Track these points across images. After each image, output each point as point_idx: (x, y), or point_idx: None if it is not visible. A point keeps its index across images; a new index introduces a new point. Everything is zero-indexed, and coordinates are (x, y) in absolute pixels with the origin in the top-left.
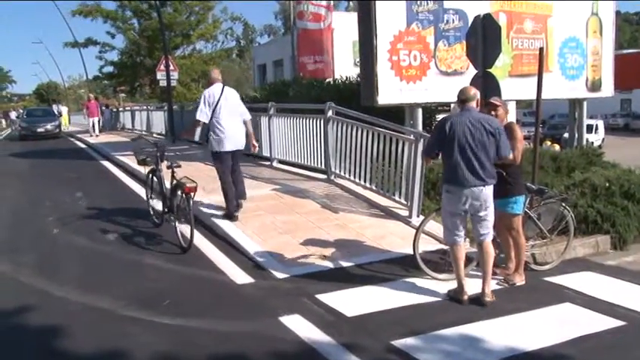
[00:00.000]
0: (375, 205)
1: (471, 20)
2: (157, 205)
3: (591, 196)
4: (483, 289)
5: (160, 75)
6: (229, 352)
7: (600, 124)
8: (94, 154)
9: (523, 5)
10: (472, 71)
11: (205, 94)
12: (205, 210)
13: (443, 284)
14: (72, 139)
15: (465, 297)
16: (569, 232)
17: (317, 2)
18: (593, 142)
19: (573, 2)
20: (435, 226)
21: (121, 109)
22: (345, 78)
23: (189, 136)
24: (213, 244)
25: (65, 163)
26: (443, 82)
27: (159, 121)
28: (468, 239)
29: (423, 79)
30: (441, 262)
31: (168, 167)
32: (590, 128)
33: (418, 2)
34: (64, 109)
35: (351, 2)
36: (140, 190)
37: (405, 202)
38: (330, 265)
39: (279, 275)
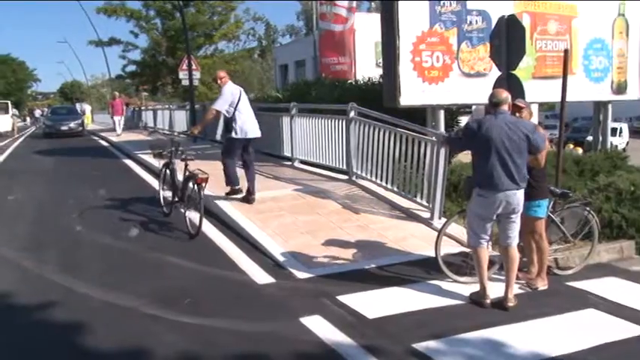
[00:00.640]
0: (397, 206)
1: (494, 21)
2: (168, 195)
3: (616, 200)
4: (506, 293)
5: (182, 74)
6: (250, 352)
7: (625, 127)
8: (117, 152)
9: (547, 6)
10: (495, 73)
11: (226, 91)
12: (226, 209)
13: (465, 287)
14: (95, 138)
15: (488, 301)
16: (593, 237)
17: (340, 3)
18: (617, 146)
19: (599, 3)
20: (458, 229)
21: (142, 107)
22: (367, 79)
23: (199, 130)
24: (234, 243)
25: (88, 161)
26: (465, 84)
27: (181, 120)
28: (490, 243)
29: (446, 81)
30: (463, 265)
31: (182, 160)
32: (614, 131)
33: (441, 3)
34: (88, 108)
35: (373, 3)
36: (155, 183)
37: (427, 204)
38: (351, 266)
39: (301, 275)
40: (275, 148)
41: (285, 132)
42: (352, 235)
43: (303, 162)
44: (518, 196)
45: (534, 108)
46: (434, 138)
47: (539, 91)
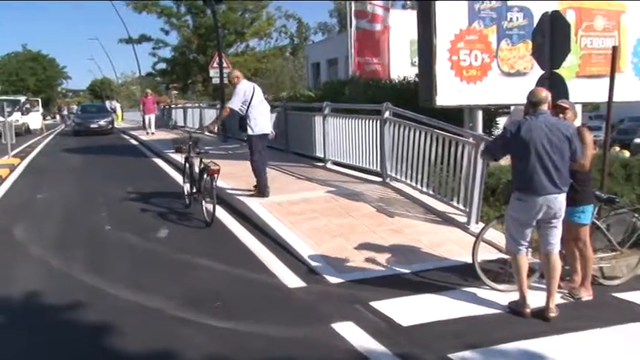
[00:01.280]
0: (432, 210)
1: (536, 18)
2: (188, 187)
3: None
4: (548, 303)
5: (213, 72)
6: (280, 357)
7: None
8: (146, 150)
9: (593, 1)
10: (536, 72)
11: (240, 89)
12: (257, 210)
13: (503, 296)
14: (124, 136)
15: (528, 310)
16: None
17: (375, 2)
18: None
19: None
20: (496, 234)
21: (172, 106)
22: (401, 78)
23: (214, 126)
24: (265, 245)
25: (117, 160)
26: (505, 83)
27: (211, 119)
28: (530, 249)
29: (484, 80)
30: (501, 272)
31: (197, 153)
32: None
33: (480, 0)
34: (118, 106)
35: (409, 2)
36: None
37: (464, 208)
38: (384, 271)
39: (333, 280)
40: (307, 149)
41: (318, 132)
42: (386, 239)
43: (335, 163)
44: (560, 200)
45: (578, 109)
46: (471, 139)
47: (583, 91)
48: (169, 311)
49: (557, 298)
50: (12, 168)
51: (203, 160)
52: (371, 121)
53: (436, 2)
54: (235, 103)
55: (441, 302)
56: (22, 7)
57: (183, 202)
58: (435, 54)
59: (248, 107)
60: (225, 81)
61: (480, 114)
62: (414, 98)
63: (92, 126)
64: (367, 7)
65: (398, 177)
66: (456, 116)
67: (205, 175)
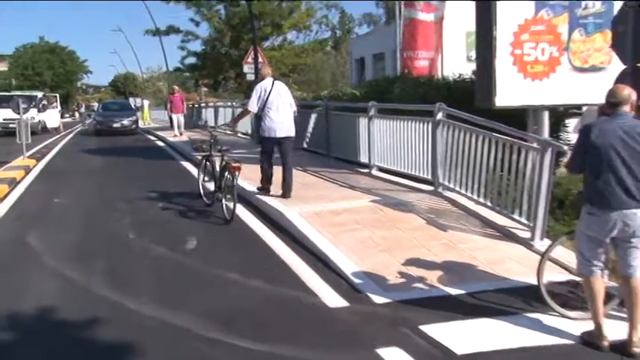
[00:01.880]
0: (490, 223)
1: (617, 4)
2: (209, 186)
3: None
4: (630, 335)
5: (247, 68)
6: None
7: None
8: (173, 153)
9: None
10: (616, 67)
11: (257, 88)
12: (295, 220)
13: (574, 324)
14: (149, 137)
15: (605, 343)
16: None
17: None
18: None
19: None
20: (564, 253)
21: (202, 104)
22: (456, 75)
23: (234, 125)
24: (302, 259)
25: (142, 163)
26: (576, 80)
27: (244, 119)
28: (607, 271)
29: (552, 77)
30: (571, 296)
31: (219, 151)
32: None
33: None
34: (146, 103)
35: None
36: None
37: (527, 222)
38: (436, 291)
39: (378, 300)
40: (350, 153)
41: (362, 135)
42: (438, 254)
43: (381, 169)
44: None
45: None
46: (536, 144)
47: None
48: (198, 331)
49: None
50: (27, 170)
51: (224, 157)
52: (422, 124)
53: None
54: (251, 104)
55: (500, 329)
56: None
57: (204, 202)
58: (494, 47)
59: (263, 107)
60: None
61: (546, 115)
62: (471, 98)
63: (114, 125)
64: None
65: (451, 186)
66: (518, 118)
67: (226, 173)
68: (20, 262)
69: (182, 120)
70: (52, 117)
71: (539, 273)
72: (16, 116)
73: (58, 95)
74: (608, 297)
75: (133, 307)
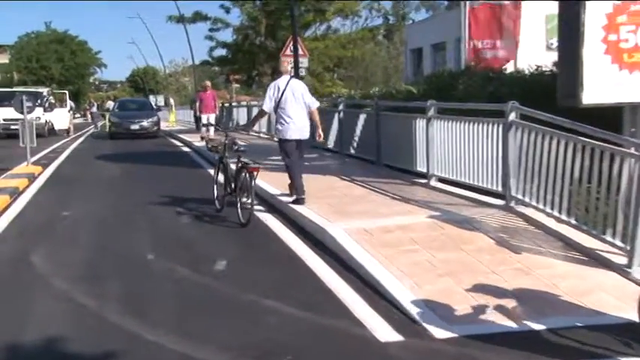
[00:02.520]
0: (575, 245)
1: None
2: (222, 190)
3: None
4: None
5: (286, 62)
6: None
7: None
8: (201, 160)
9: None
10: None
11: (271, 86)
12: (340, 238)
13: None
14: (173, 141)
15: None
16: None
17: None
18: None
19: None
20: None
21: (234, 103)
22: (533, 67)
23: (250, 128)
24: (348, 283)
25: (164, 171)
26: None
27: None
28: None
29: None
30: None
31: (235, 151)
32: None
33: None
34: (172, 101)
35: None
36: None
37: (622, 245)
38: (509, 325)
39: (438, 334)
40: (404, 161)
41: (419, 140)
42: (510, 281)
43: (442, 180)
44: None
45: None
46: (633, 150)
47: None
48: None
49: None
50: (32, 178)
51: (241, 159)
52: (491, 126)
53: None
54: (266, 104)
55: None
56: None
57: (215, 206)
58: (582, 34)
59: (277, 107)
60: (303, 72)
61: None
62: (551, 95)
63: (132, 127)
64: None
65: (526, 200)
66: (610, 119)
67: (244, 174)
68: (23, 285)
69: (213, 121)
70: (60, 117)
71: None
72: (19, 116)
73: (67, 92)
74: None
75: (152, 339)
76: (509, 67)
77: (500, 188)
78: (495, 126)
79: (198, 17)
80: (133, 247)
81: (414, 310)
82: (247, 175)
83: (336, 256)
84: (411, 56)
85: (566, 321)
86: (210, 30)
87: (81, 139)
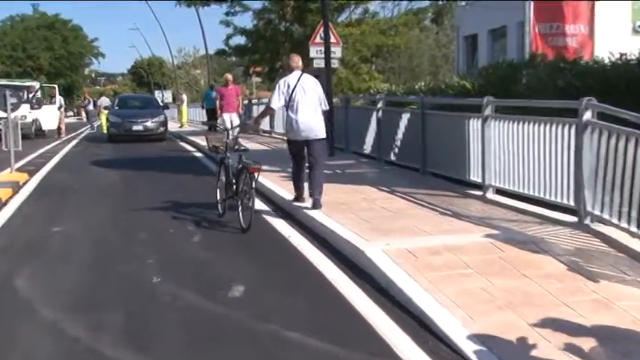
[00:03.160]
0: None
1: None
2: (223, 194)
3: None
4: None
5: (316, 51)
6: None
7: None
8: (214, 166)
9: None
10: None
11: (280, 82)
12: (379, 261)
13: None
14: (182, 144)
15: None
16: None
17: None
18: None
19: None
20: None
21: (254, 100)
22: (615, 56)
23: (256, 127)
24: (389, 315)
25: (172, 180)
26: None
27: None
28: None
29: None
30: None
31: (235, 150)
32: None
33: None
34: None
35: None
36: (277, 223)
37: None
38: None
39: None
40: (455, 169)
41: (473, 144)
42: (586, 316)
43: (500, 191)
44: None
45: None
46: None
47: None
48: None
49: None
50: (16, 188)
51: (242, 159)
52: (561, 127)
53: None
54: (274, 100)
55: None
56: None
57: (217, 213)
58: None
59: (287, 105)
60: (335, 64)
61: None
62: (637, 88)
63: (135, 128)
64: None
65: (605, 216)
66: None
67: (244, 176)
68: (4, 314)
69: (236, 121)
70: (49, 115)
71: None
72: (2, 114)
73: (57, 86)
74: None
75: None
76: (584, 56)
77: (572, 202)
78: (567, 127)
79: None
80: (134, 268)
81: (467, 348)
82: (248, 176)
83: (373, 281)
84: (463, 44)
85: None
86: (227, 14)
87: (74, 142)
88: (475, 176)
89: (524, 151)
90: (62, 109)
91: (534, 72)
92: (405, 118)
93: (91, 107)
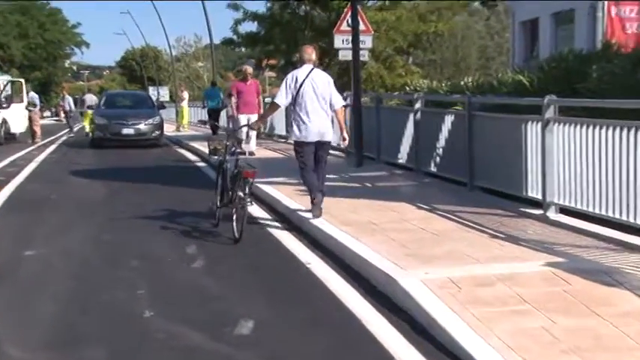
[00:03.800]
0: None
1: None
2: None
3: None
4: None
5: (342, 40)
6: None
7: None
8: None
9: None
10: None
11: (288, 76)
12: (416, 293)
13: None
14: (181, 150)
15: None
16: None
17: None
18: None
19: None
20: None
21: (267, 99)
22: None
23: (260, 124)
24: (426, 356)
25: (169, 194)
26: None
27: (336, 125)
28: None
29: None
30: None
31: (231, 154)
32: None
33: None
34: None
35: None
36: (293, 246)
37: None
38: None
39: None
40: (509, 183)
41: (531, 152)
42: None
43: (565, 210)
44: None
45: None
46: None
47: None
48: None
49: None
50: None
51: (238, 162)
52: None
53: None
54: (280, 96)
55: None
56: None
57: (213, 222)
58: None
59: (294, 102)
60: (365, 56)
61: None
62: None
63: (125, 132)
64: None
65: None
66: None
67: (239, 181)
68: None
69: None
70: (19, 116)
71: None
72: None
73: (23, 80)
74: None
75: None
76: None
77: None
78: None
79: None
80: (123, 300)
81: None
82: (242, 180)
83: (409, 317)
84: (521, 31)
85: None
86: None
87: (52, 148)
88: (534, 192)
89: (595, 161)
90: (37, 109)
91: (607, 65)
92: (449, 121)
93: (68, 107)
